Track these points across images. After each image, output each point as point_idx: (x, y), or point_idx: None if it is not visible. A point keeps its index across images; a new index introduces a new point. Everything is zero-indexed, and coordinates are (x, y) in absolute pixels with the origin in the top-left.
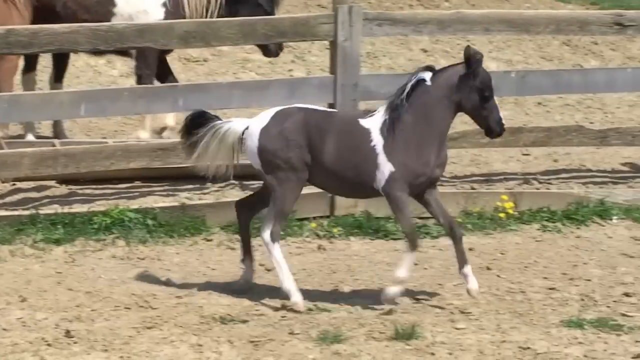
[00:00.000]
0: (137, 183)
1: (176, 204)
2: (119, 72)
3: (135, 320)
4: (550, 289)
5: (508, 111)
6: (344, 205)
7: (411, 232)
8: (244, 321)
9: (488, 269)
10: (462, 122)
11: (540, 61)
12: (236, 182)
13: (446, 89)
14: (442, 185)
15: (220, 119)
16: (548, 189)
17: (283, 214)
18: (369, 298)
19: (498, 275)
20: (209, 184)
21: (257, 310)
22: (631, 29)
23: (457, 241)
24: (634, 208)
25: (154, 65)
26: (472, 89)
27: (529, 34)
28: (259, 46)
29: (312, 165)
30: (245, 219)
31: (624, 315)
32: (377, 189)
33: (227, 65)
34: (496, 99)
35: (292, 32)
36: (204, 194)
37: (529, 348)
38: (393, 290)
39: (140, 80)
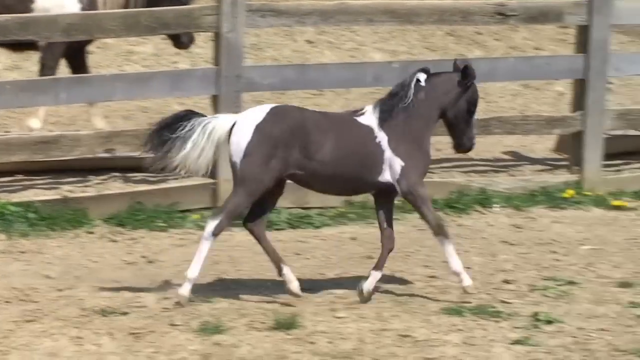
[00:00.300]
0: (19, 177)
1: (58, 197)
2: (3, 65)
3: (15, 314)
4: (431, 277)
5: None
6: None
7: (440, 224)
8: (125, 313)
9: (370, 257)
10: None
11: (424, 52)
12: (119, 175)
13: (439, 92)
14: None
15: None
16: (430, 178)
17: (237, 212)
18: (251, 288)
19: None
20: (90, 177)
21: (137, 302)
22: (513, 18)
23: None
24: (514, 196)
25: (58, 57)
26: (462, 100)
27: (413, 24)
28: (170, 38)
29: (307, 166)
30: (260, 234)
31: (503, 302)
32: (383, 183)
33: (111, 58)
34: (377, 89)
35: (175, 23)
36: (86, 186)
37: (408, 336)
38: (465, 282)
39: (42, 70)
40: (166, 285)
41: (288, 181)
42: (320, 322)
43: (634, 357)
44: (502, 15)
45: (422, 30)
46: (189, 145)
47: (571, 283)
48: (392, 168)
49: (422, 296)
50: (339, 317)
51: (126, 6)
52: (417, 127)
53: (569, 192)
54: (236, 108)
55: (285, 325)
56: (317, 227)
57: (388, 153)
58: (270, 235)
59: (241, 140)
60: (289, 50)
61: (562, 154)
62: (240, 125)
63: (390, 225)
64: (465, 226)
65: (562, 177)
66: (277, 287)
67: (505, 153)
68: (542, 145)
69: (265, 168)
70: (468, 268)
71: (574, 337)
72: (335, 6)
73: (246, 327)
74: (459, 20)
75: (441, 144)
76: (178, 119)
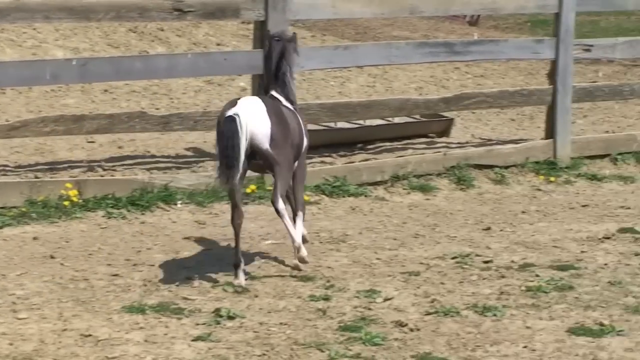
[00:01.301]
0: None
1: None
2: None
3: None
4: (114, 275)
5: (74, 99)
6: None
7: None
8: None
9: (52, 257)
10: (27, 111)
11: (106, 48)
12: None
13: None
14: (5, 175)
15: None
16: (113, 175)
17: (288, 186)
18: None
19: (62, 264)
20: None
21: None
22: (191, 14)
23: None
24: (197, 192)
25: None
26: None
27: (90, 21)
28: None
29: (294, 143)
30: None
31: (185, 299)
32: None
33: None
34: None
35: None
36: None
37: (90, 335)
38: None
39: None
40: None
41: None
42: (1, 324)
43: (313, 350)
44: (179, 11)
45: (103, 27)
46: (242, 153)
47: (252, 278)
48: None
49: (104, 295)
50: (20, 319)
51: None
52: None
53: (252, 188)
54: None
55: None
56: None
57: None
58: None
59: (264, 128)
60: None
61: None
62: (256, 115)
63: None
64: (149, 223)
65: None
66: None
67: (187, 149)
68: None
69: (289, 144)
70: (151, 265)
71: (255, 332)
72: (12, 4)
73: None
74: (136, 17)
75: (123, 141)
76: (226, 138)
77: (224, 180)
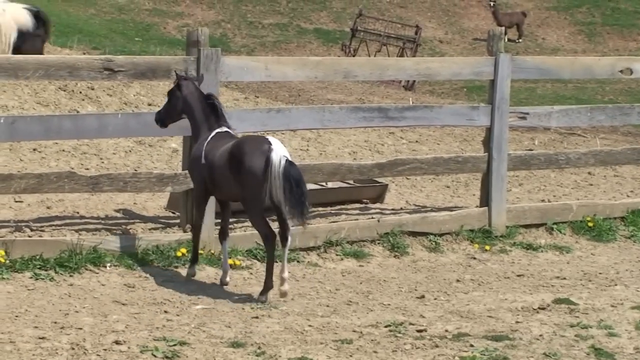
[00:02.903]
0: None
1: None
2: None
3: None
4: (41, 338)
5: (2, 157)
6: None
7: None
8: None
9: None
10: None
11: (36, 106)
12: None
13: None
14: None
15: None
16: (41, 236)
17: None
18: None
19: None
20: None
21: None
22: (121, 74)
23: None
24: (126, 255)
25: None
26: None
27: (19, 79)
28: None
29: None
30: None
31: None
32: None
33: None
34: None
35: None
36: None
37: None
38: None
39: None
40: None
41: None
42: None
43: None
44: (110, 70)
45: (34, 85)
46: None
47: (182, 343)
48: None
49: (30, 359)
50: None
51: None
52: None
53: (182, 251)
54: None
55: None
56: None
57: None
58: None
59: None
60: None
61: (175, 212)
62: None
63: None
64: (77, 286)
65: (174, 235)
66: None
67: (117, 211)
68: (155, 202)
69: None
70: (79, 329)
71: None
72: None
73: None
74: (66, 76)
75: (51, 201)
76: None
77: (303, 217)
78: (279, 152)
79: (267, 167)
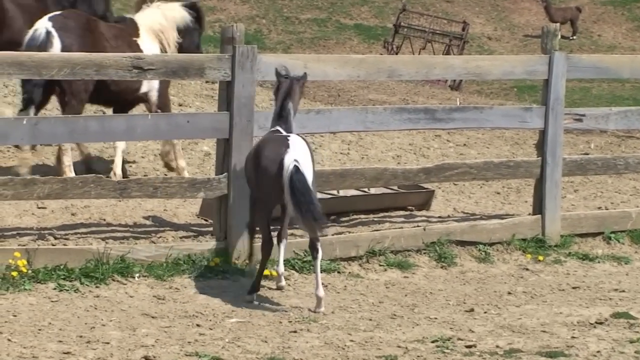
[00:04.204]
0: None
1: None
2: None
3: None
4: (65, 353)
5: None
6: None
7: None
8: None
9: None
10: None
11: (57, 104)
12: None
13: None
14: None
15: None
16: (65, 245)
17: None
18: None
19: (9, 339)
20: None
21: None
22: (151, 72)
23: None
24: (156, 264)
25: None
26: None
27: (43, 77)
28: None
29: None
30: None
31: None
32: None
33: None
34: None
35: None
36: None
37: None
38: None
39: None
40: None
41: None
42: None
43: None
44: (139, 69)
45: None
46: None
47: (216, 359)
48: None
49: None
50: None
51: None
52: None
53: (215, 261)
54: None
55: None
56: None
57: None
58: None
59: (311, 175)
60: None
61: (207, 219)
62: (307, 160)
63: None
64: (104, 297)
65: (207, 244)
66: None
67: (146, 218)
68: (186, 209)
69: None
70: (106, 343)
71: None
72: None
73: None
74: (92, 74)
75: (76, 207)
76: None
77: (318, 224)
78: (292, 156)
79: (279, 170)
